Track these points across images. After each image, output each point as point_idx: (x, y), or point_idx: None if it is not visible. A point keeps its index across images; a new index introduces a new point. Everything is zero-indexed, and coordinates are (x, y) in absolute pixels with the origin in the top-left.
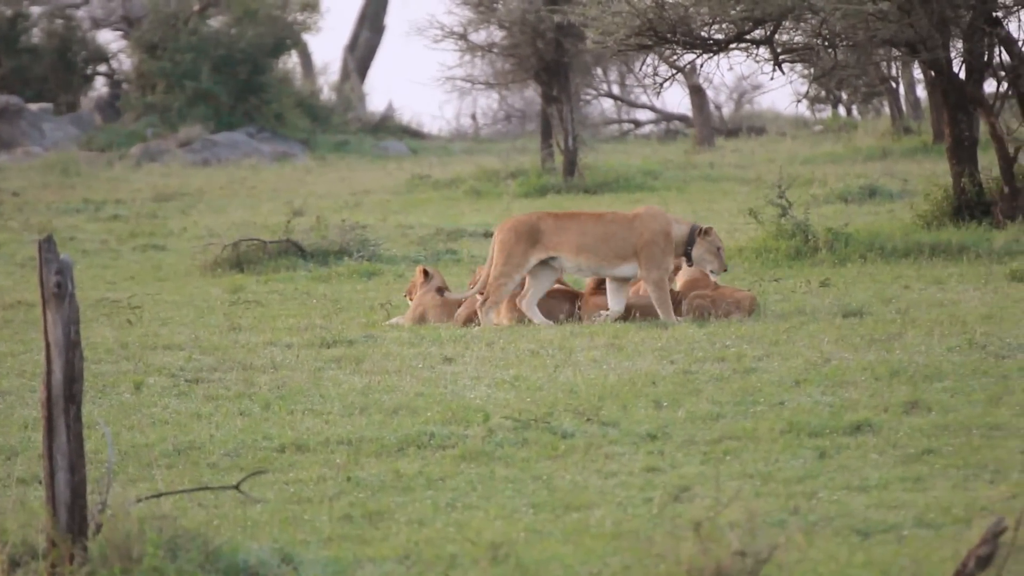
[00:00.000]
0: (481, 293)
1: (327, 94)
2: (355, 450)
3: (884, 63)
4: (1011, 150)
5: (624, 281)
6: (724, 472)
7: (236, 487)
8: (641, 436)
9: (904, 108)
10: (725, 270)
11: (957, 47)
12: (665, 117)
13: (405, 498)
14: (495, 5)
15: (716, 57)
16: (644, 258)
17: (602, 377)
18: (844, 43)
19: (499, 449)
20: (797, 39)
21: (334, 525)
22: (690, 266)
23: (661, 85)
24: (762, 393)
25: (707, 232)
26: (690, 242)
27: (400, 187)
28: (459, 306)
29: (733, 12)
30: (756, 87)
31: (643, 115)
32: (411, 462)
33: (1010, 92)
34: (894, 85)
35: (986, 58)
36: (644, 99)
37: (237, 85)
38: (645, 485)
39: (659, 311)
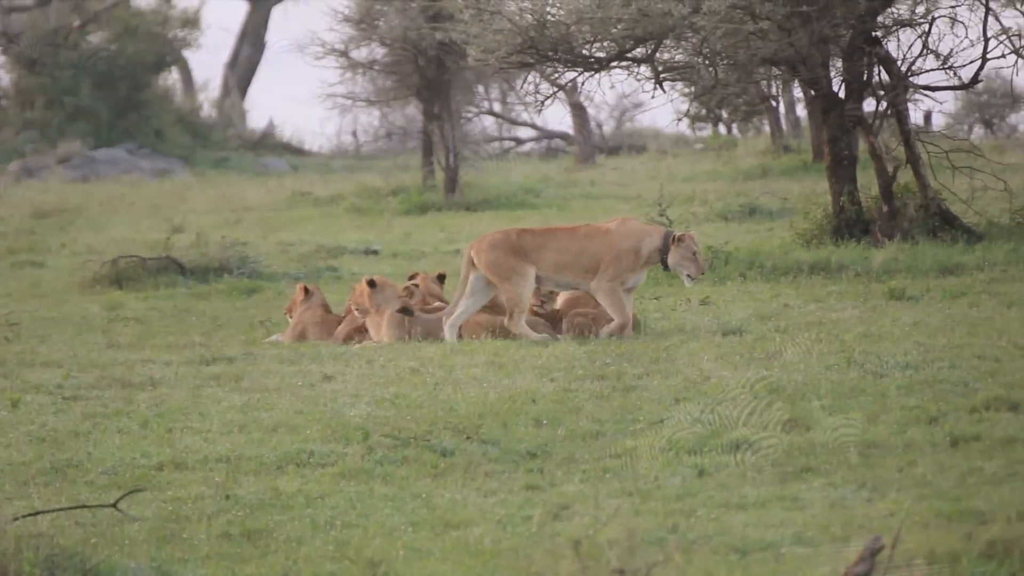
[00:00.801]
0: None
1: (207, 111)
2: (234, 468)
3: (764, 82)
4: (890, 169)
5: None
6: (603, 490)
7: (114, 505)
8: (521, 454)
9: (784, 127)
10: (703, 273)
11: (837, 66)
12: (546, 135)
13: (284, 516)
14: (377, 23)
15: (597, 75)
16: (605, 268)
17: (482, 395)
18: (725, 61)
19: (379, 467)
20: (678, 57)
21: (212, 543)
22: (666, 271)
23: (542, 103)
24: (642, 411)
25: (681, 239)
26: (664, 249)
27: (281, 204)
28: (339, 323)
29: (615, 30)
30: (637, 105)
31: (524, 133)
32: (290, 480)
33: (889, 111)
34: (774, 104)
35: (865, 77)
36: (525, 117)
37: (117, 101)
38: (524, 503)
39: (611, 312)
